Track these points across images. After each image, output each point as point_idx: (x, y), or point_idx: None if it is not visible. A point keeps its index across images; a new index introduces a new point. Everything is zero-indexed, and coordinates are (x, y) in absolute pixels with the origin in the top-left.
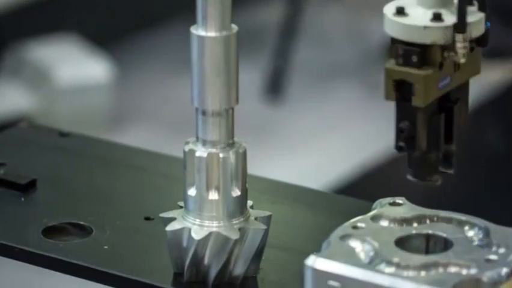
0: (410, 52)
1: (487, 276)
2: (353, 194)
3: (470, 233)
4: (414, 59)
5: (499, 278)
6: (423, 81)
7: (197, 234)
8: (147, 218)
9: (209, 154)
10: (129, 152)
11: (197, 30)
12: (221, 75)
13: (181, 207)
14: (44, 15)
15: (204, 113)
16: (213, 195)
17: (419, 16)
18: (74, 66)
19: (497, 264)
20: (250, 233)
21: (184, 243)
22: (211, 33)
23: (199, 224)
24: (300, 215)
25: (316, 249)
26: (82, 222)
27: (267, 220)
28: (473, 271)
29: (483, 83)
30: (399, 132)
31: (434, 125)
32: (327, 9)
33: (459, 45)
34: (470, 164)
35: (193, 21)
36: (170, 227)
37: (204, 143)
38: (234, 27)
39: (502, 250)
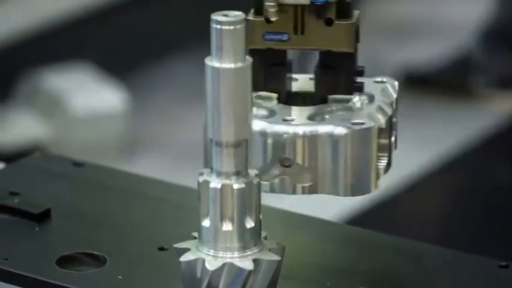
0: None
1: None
2: (364, 224)
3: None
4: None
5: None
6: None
7: (211, 265)
8: (161, 248)
9: (223, 185)
10: (143, 182)
11: (211, 62)
12: (236, 106)
13: (195, 237)
14: (58, 44)
15: (218, 144)
16: (227, 226)
17: None
18: (88, 95)
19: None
20: (264, 264)
21: (198, 274)
22: (226, 65)
23: (213, 254)
24: (313, 246)
25: (330, 280)
26: (95, 252)
27: (281, 251)
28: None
29: (495, 113)
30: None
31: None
32: None
33: (267, 2)
34: (482, 195)
35: (206, 50)
36: (184, 258)
37: (218, 174)
38: (248, 59)
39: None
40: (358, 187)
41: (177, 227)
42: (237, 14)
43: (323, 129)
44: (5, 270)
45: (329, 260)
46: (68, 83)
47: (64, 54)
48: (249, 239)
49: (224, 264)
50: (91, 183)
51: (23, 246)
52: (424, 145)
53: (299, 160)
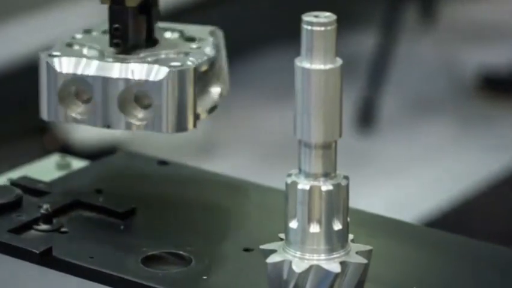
0: None
1: (191, 63)
2: (445, 227)
3: (169, 33)
4: None
5: (200, 63)
6: None
7: (298, 267)
8: (246, 249)
9: (312, 187)
10: (227, 181)
11: (301, 63)
12: (325, 108)
13: (282, 239)
14: None
15: (307, 145)
16: (315, 228)
17: None
18: None
19: (197, 50)
20: (351, 267)
21: (285, 276)
22: (316, 66)
23: (300, 256)
24: (397, 249)
25: (416, 284)
26: (181, 252)
27: (368, 254)
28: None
29: None
30: (114, 31)
31: (141, 21)
32: (420, 40)
33: None
34: None
35: (285, 50)
36: (271, 259)
37: (307, 175)
38: (339, 60)
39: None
40: (177, 125)
41: (262, 227)
42: (328, 15)
43: (139, 69)
44: (91, 268)
45: (413, 263)
46: None
47: None
48: (336, 241)
49: (311, 267)
50: (176, 182)
51: (108, 245)
52: (502, 148)
53: (128, 100)
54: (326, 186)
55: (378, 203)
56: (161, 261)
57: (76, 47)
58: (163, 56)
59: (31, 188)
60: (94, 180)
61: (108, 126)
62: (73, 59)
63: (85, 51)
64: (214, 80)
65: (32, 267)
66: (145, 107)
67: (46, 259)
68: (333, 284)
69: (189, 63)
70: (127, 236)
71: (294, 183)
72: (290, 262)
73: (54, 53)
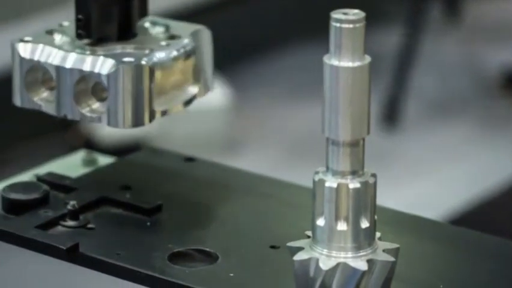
0: None
1: (147, 60)
2: (468, 226)
3: (155, 29)
4: None
5: (157, 61)
6: None
7: (325, 264)
8: (272, 247)
9: (339, 185)
10: (253, 179)
11: (330, 60)
12: (354, 105)
13: (309, 236)
14: None
15: (334, 143)
16: (342, 226)
17: None
18: None
19: (163, 48)
20: (379, 265)
21: (312, 273)
22: (344, 63)
23: (326, 254)
24: (424, 247)
25: (443, 282)
26: (207, 249)
27: (395, 252)
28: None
29: None
30: (78, 22)
31: (112, 14)
32: (445, 39)
33: None
34: None
35: (310, 47)
36: (297, 257)
37: (334, 173)
38: (367, 58)
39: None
40: (127, 120)
41: (288, 225)
42: (357, 12)
43: (90, 61)
44: (118, 265)
45: (440, 262)
46: None
47: None
48: (363, 239)
49: (338, 264)
50: (202, 179)
51: (135, 241)
52: None
53: (84, 92)
54: (354, 184)
55: (401, 201)
56: (188, 258)
57: (54, 35)
58: (126, 51)
59: (58, 184)
60: (121, 177)
61: (65, 116)
62: (39, 46)
63: (58, 39)
64: (188, 80)
65: (58, 263)
66: (101, 99)
67: (73, 255)
68: (360, 281)
69: (144, 61)
70: (154, 233)
71: (322, 181)
72: (317, 260)
73: (26, 39)
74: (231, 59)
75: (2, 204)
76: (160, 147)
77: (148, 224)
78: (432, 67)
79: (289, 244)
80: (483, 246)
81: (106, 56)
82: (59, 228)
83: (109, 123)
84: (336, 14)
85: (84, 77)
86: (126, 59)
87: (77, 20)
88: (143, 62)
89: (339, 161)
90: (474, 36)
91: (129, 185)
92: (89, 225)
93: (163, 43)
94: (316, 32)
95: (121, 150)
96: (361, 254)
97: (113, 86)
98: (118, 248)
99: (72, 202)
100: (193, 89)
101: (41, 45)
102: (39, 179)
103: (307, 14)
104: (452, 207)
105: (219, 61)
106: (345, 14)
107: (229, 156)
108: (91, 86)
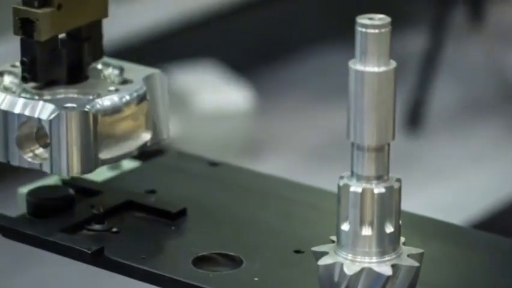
0: None
1: (90, 107)
2: (493, 230)
3: (107, 71)
4: (35, 0)
5: (100, 107)
6: (42, 19)
7: (349, 269)
8: (297, 251)
9: (364, 189)
10: (278, 183)
11: (355, 65)
12: (379, 110)
13: (333, 241)
14: (187, 42)
15: (360, 148)
16: (367, 231)
17: None
18: (215, 93)
19: (110, 94)
20: (403, 270)
21: (336, 278)
22: (370, 68)
23: (351, 259)
24: (449, 252)
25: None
26: (231, 253)
27: (420, 257)
28: (84, 101)
29: None
30: (22, 65)
31: (60, 57)
32: (469, 42)
33: None
34: None
35: (333, 51)
36: (322, 262)
37: (359, 178)
38: (393, 63)
39: (126, 84)
40: (78, 168)
41: (312, 229)
42: (382, 17)
43: (32, 106)
44: (142, 269)
45: (465, 267)
46: (196, 81)
47: (192, 52)
48: (388, 244)
49: (362, 269)
50: (227, 184)
51: (159, 245)
52: None
53: (26, 137)
54: (379, 189)
55: (425, 205)
56: (212, 262)
57: (3, 77)
58: (71, 96)
59: (83, 188)
60: (146, 181)
61: (8, 161)
62: None
63: (7, 81)
64: (139, 126)
65: (84, 267)
66: (45, 145)
67: (98, 259)
68: (385, 286)
69: (87, 107)
70: (178, 237)
71: (346, 186)
72: (342, 264)
73: None
74: (255, 62)
75: (28, 208)
76: (184, 151)
77: (173, 228)
78: (455, 71)
79: (313, 249)
80: (508, 251)
81: (49, 100)
82: (84, 232)
83: (52, 171)
84: (361, 19)
85: (26, 122)
86: (68, 105)
87: (22, 63)
88: (86, 108)
89: (364, 166)
90: (498, 39)
91: (154, 189)
92: (114, 229)
93: (112, 88)
94: (341, 36)
95: (145, 154)
96: (386, 259)
97: (55, 132)
98: (142, 251)
99: (97, 206)
100: (145, 136)
101: None
102: (65, 182)
103: (333, 17)
104: (476, 212)
105: (242, 64)
106: (370, 19)
107: (252, 161)
108: (34, 131)
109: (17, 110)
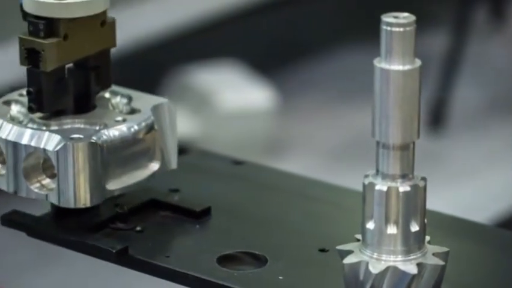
0: (37, 24)
1: (96, 138)
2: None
3: (116, 100)
4: (42, 30)
5: (107, 138)
6: (48, 49)
7: (374, 268)
8: (322, 250)
9: (389, 188)
10: (302, 181)
11: (380, 63)
12: (404, 109)
13: (358, 240)
14: (208, 41)
15: (385, 146)
16: (392, 230)
17: None
18: (237, 92)
19: (117, 124)
20: (428, 268)
21: (361, 277)
22: (395, 67)
23: (376, 257)
24: (474, 251)
25: (492, 286)
26: (256, 252)
27: (445, 256)
28: (90, 131)
29: None
30: (28, 95)
31: (67, 87)
32: (491, 42)
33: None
34: None
35: (355, 51)
36: (347, 260)
37: (384, 176)
38: (417, 61)
39: (134, 114)
40: (85, 199)
41: (337, 228)
42: (407, 16)
43: (38, 136)
44: (166, 267)
45: (491, 265)
46: (217, 80)
47: (214, 51)
48: (413, 242)
49: (388, 268)
50: (251, 182)
51: (183, 244)
52: None
53: (33, 167)
54: (404, 188)
55: (446, 204)
56: (237, 261)
57: (10, 106)
58: (78, 126)
59: None
60: (170, 180)
61: (15, 192)
62: None
63: (15, 111)
64: (146, 156)
65: (108, 265)
66: (52, 176)
67: (122, 258)
68: (410, 285)
69: (94, 137)
70: (202, 236)
71: (372, 184)
72: (367, 263)
73: None
74: (276, 61)
75: (52, 207)
76: (208, 150)
77: (197, 226)
78: (477, 71)
79: (338, 247)
80: None
81: (56, 131)
82: (109, 230)
83: (59, 202)
84: (386, 18)
85: (32, 152)
86: (75, 136)
87: (28, 93)
88: (93, 139)
89: (389, 164)
90: None
91: (178, 187)
92: (138, 228)
93: (120, 118)
94: (363, 36)
95: None
96: (411, 257)
97: (62, 163)
98: (166, 250)
99: (121, 205)
100: (153, 166)
101: None
102: None
103: (355, 17)
104: (499, 211)
105: (264, 63)
106: (395, 17)
107: (274, 160)
108: (41, 162)
109: (24, 141)
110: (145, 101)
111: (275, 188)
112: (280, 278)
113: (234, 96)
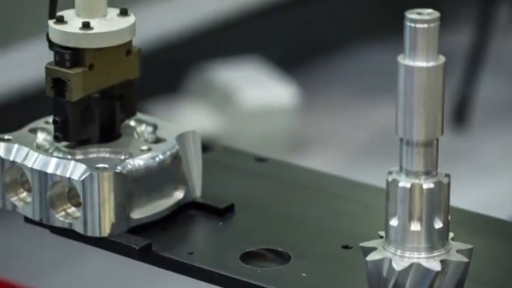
0: (63, 54)
1: (122, 167)
2: None
3: (141, 128)
4: (68, 60)
5: (132, 168)
6: (74, 79)
7: (398, 265)
8: (345, 247)
9: (413, 185)
10: (326, 179)
11: (404, 60)
12: (428, 105)
13: (382, 237)
14: (230, 38)
15: (408, 143)
16: (416, 226)
17: (74, 24)
18: (259, 90)
19: (142, 153)
20: (452, 265)
21: (385, 274)
22: (419, 63)
23: (400, 254)
24: (498, 248)
25: None
26: (279, 249)
27: (469, 253)
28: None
29: None
30: (54, 124)
31: (93, 116)
32: None
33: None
34: None
35: (376, 48)
36: (371, 257)
37: (408, 173)
38: (441, 58)
39: (159, 143)
40: (111, 228)
41: (360, 225)
42: (431, 12)
43: (64, 165)
44: (190, 264)
45: None
46: (240, 77)
47: (237, 48)
48: (436, 239)
49: (411, 265)
50: (274, 179)
51: (207, 241)
52: None
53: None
54: (427, 184)
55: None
56: (260, 258)
57: (36, 134)
58: (103, 155)
59: None
60: None
61: (41, 220)
62: (15, 146)
63: (41, 139)
64: (171, 185)
65: (132, 262)
66: (77, 205)
67: (146, 255)
68: (434, 282)
69: (119, 167)
70: (226, 233)
71: (395, 181)
72: (390, 260)
73: (6, 137)
74: (299, 58)
75: None
76: (232, 147)
77: (220, 223)
78: (501, 68)
79: (362, 244)
80: None
81: (81, 160)
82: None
83: (84, 231)
84: (410, 14)
85: (58, 181)
86: (100, 165)
87: (54, 123)
88: (118, 169)
89: (413, 161)
90: None
91: (201, 184)
92: (161, 225)
93: (145, 147)
94: (386, 34)
95: None
96: (434, 254)
97: (87, 193)
98: (190, 247)
99: None
100: (178, 194)
101: (17, 146)
102: None
103: (377, 15)
104: None
105: (287, 61)
106: (419, 13)
107: (297, 157)
108: (66, 191)
109: (50, 170)
110: (169, 129)
111: (298, 185)
112: (304, 275)
113: (257, 93)
